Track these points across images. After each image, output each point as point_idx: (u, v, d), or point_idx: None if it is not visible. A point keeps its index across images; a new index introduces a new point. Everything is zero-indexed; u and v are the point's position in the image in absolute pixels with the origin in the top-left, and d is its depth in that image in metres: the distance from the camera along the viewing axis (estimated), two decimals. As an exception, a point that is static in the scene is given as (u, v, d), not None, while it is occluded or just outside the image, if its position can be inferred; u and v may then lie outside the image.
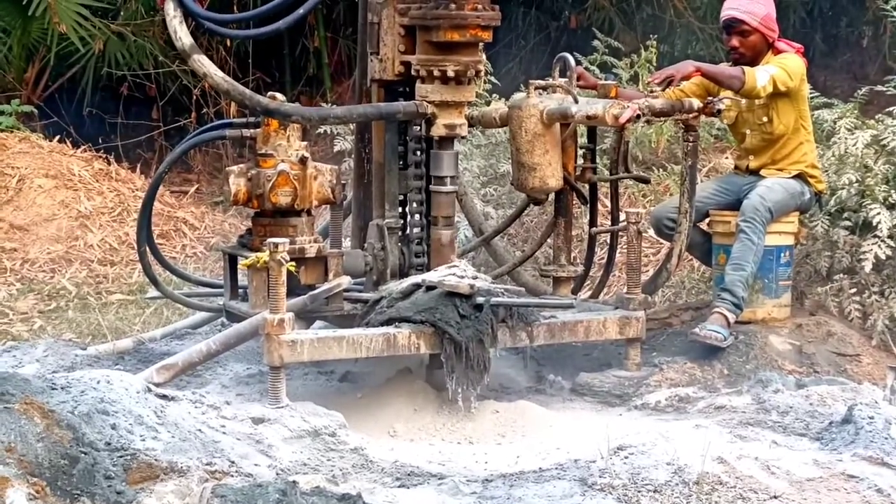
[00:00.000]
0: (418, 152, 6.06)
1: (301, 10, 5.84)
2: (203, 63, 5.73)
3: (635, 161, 8.00)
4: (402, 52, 5.92)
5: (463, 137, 6.17)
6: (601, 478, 4.61)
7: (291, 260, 5.51)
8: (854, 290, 6.80)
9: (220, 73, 5.78)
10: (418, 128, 6.01)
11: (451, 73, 5.81)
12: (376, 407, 5.74)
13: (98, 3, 11.01)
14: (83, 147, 10.11)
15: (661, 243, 7.51)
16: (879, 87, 7.84)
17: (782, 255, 6.66)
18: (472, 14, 5.75)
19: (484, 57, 6.07)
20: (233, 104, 10.13)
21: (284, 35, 11.32)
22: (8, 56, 11.00)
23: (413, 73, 5.89)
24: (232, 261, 6.19)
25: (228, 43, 11.49)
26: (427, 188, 6.06)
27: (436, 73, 5.82)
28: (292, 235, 5.88)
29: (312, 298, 5.81)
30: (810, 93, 7.07)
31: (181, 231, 9.33)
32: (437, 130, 5.90)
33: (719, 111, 6.33)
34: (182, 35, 5.72)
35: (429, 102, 5.86)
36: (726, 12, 6.70)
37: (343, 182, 6.24)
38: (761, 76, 6.43)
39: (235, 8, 11.54)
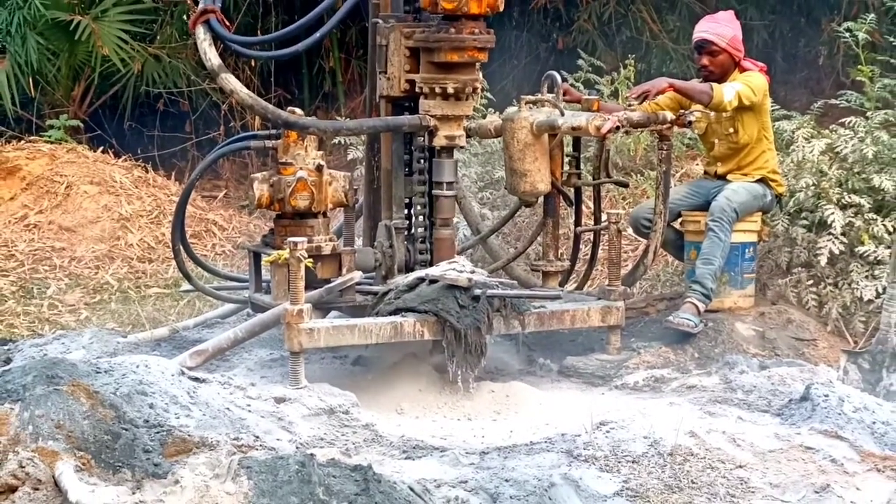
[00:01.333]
0: (422, 160, 6.06)
1: (317, 35, 5.86)
2: (230, 81, 5.73)
3: (615, 167, 7.98)
4: (408, 71, 5.92)
5: (462, 147, 6.17)
6: (585, 450, 4.63)
7: (309, 257, 5.53)
8: (811, 282, 6.80)
9: (245, 91, 5.78)
10: (422, 139, 6.00)
11: (450, 90, 5.81)
12: (385, 387, 5.74)
13: (136, 28, 11.01)
14: (124, 157, 10.11)
15: (638, 241, 7.49)
16: (833, 101, 7.84)
17: (747, 250, 6.65)
18: (470, 37, 5.74)
19: (480, 75, 6.06)
20: (257, 118, 10.10)
21: (303, 56, 11.32)
22: (57, 76, 10.99)
23: (417, 89, 5.89)
24: (256, 258, 6.19)
25: (253, 63, 11.48)
26: (430, 192, 6.06)
27: (437, 89, 5.82)
28: (310, 235, 5.88)
29: (328, 291, 5.82)
30: (772, 106, 7.06)
31: (211, 231, 9.33)
32: (439, 141, 5.90)
33: (690, 123, 6.31)
34: (211, 56, 5.73)
35: (431, 116, 5.86)
36: (697, 34, 6.70)
37: (355, 187, 6.24)
38: (728, 92, 6.42)
39: (259, 31, 11.57)
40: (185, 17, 11.33)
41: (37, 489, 4.04)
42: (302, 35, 5.93)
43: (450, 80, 5.81)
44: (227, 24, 5.83)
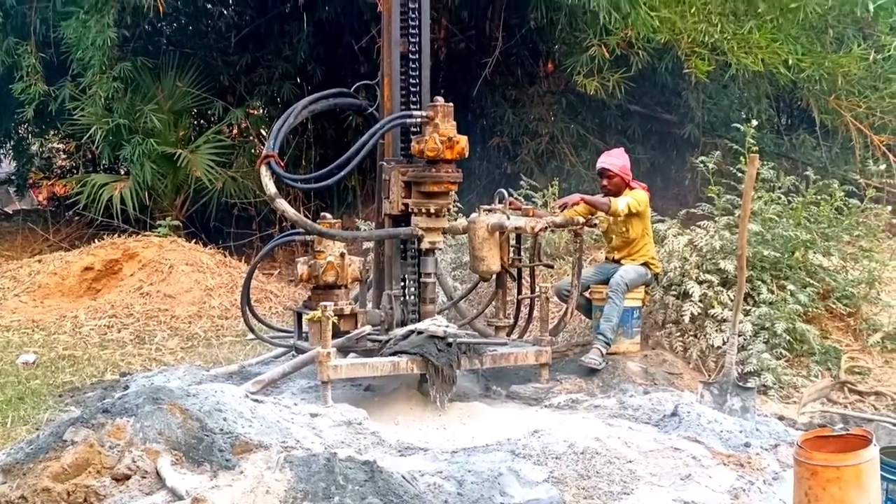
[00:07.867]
0: (412, 257, 6.07)
1: (343, 172, 5.77)
2: (282, 204, 5.67)
3: (545, 254, 8.04)
4: (403, 197, 5.92)
5: (440, 249, 6.18)
6: (523, 450, 4.62)
7: (334, 315, 5.56)
8: (679, 334, 6.84)
9: (291, 210, 5.73)
10: (413, 243, 6.03)
11: (432, 210, 5.82)
12: (386, 406, 5.74)
13: (220, 158, 11.08)
14: (210, 246, 10.14)
15: (560, 305, 7.50)
16: (694, 210, 7.93)
17: (634, 312, 6.70)
18: (445, 175, 5.77)
19: (455, 196, 6.07)
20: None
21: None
22: (164, 191, 11.03)
23: (410, 210, 5.89)
24: (299, 316, 6.21)
25: (299, 184, 11.53)
26: (419, 278, 6.06)
27: (423, 210, 5.82)
28: (335, 300, 5.90)
29: (348, 339, 5.82)
30: (652, 213, 7.14)
31: (269, 298, 9.33)
32: (425, 245, 5.89)
33: (595, 224, 6.40)
34: (270, 187, 5.67)
35: (419, 228, 5.85)
36: (599, 164, 6.80)
37: (367, 268, 6.28)
38: (621, 203, 6.51)
39: (303, 161, 11.66)
40: (252, 150, 11.45)
41: (144, 477, 4.03)
42: (333, 171, 5.87)
43: (432, 204, 5.81)
44: (282, 163, 5.80)
